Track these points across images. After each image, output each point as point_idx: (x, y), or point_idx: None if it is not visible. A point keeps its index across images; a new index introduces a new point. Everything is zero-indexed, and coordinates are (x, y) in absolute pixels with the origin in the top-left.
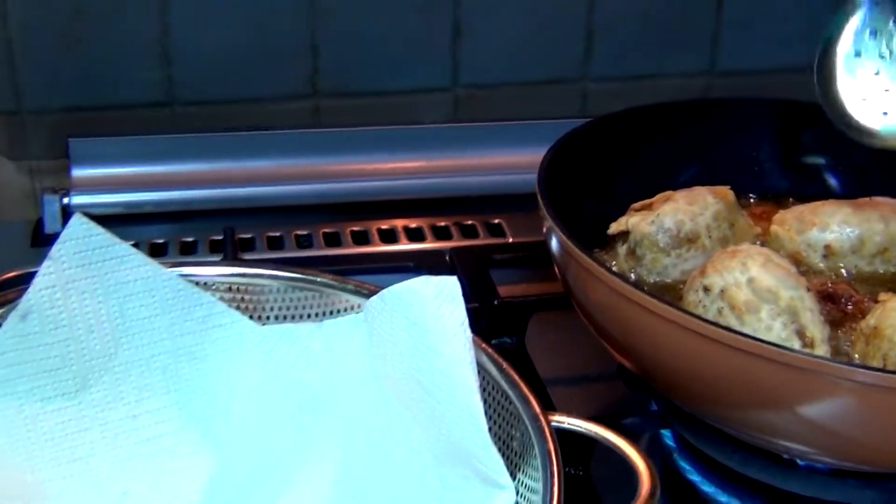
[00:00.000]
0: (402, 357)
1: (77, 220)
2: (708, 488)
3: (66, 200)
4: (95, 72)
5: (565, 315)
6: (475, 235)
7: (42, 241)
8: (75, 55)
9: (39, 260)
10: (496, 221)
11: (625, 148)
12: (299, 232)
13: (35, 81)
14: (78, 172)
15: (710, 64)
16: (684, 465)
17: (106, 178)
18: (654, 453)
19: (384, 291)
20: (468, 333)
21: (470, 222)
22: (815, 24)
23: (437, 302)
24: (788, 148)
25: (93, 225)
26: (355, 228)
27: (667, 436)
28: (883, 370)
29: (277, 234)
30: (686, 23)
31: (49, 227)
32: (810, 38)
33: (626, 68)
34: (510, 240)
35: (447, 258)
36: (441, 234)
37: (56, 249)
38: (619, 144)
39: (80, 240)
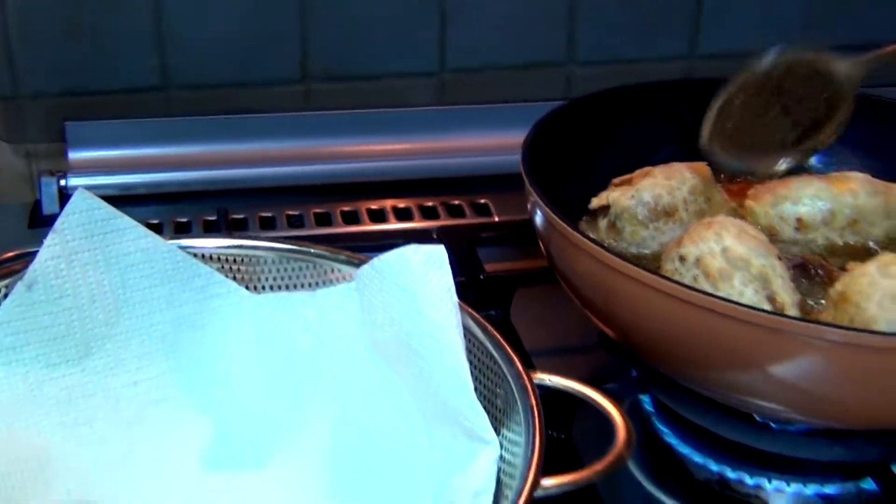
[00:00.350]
0: (392, 321)
1: (80, 195)
2: (684, 449)
3: (63, 182)
4: (91, 57)
5: (549, 289)
6: (462, 215)
7: (40, 222)
8: (72, 41)
9: (38, 241)
10: (482, 201)
11: (605, 127)
12: (291, 212)
13: (32, 66)
14: (75, 155)
15: (691, 48)
16: (662, 429)
17: (102, 160)
18: (633, 418)
19: (375, 260)
20: (454, 298)
21: (457, 202)
22: (792, 7)
23: (425, 269)
24: None
25: (95, 199)
26: (345, 208)
27: (645, 401)
28: (847, 327)
29: (269, 214)
30: (667, 7)
31: (47, 209)
32: (787, 21)
33: (608, 52)
34: (496, 219)
35: (434, 236)
36: (429, 213)
37: (60, 222)
38: (600, 123)
39: (82, 213)
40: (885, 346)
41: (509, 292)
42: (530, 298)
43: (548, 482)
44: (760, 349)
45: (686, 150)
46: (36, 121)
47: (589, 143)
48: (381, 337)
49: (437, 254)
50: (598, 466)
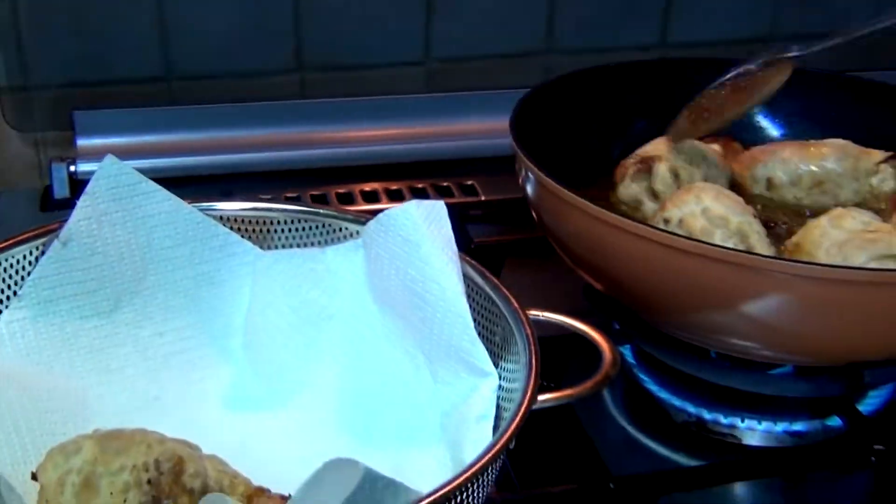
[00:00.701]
0: (398, 270)
1: (109, 161)
2: (664, 395)
3: (72, 168)
4: (98, 49)
5: (536, 260)
6: (451, 195)
7: (50, 206)
8: (79, 33)
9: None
10: (469, 182)
11: (586, 103)
12: (289, 194)
13: (41, 58)
14: (83, 142)
15: (662, 36)
16: (643, 377)
17: (108, 147)
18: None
19: (380, 215)
20: (454, 246)
21: (445, 184)
22: None
23: (427, 221)
24: None
25: (123, 164)
26: (340, 191)
27: (627, 353)
28: (813, 263)
29: (269, 196)
30: None
31: (58, 193)
32: (756, 11)
33: (585, 41)
34: (482, 198)
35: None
36: (419, 194)
37: (91, 186)
38: (581, 100)
39: (111, 178)
40: (833, 278)
41: (499, 262)
42: (519, 267)
43: (544, 397)
44: (737, 288)
45: (659, 124)
46: (44, 110)
47: (571, 117)
48: (387, 286)
49: (438, 208)
50: (589, 384)
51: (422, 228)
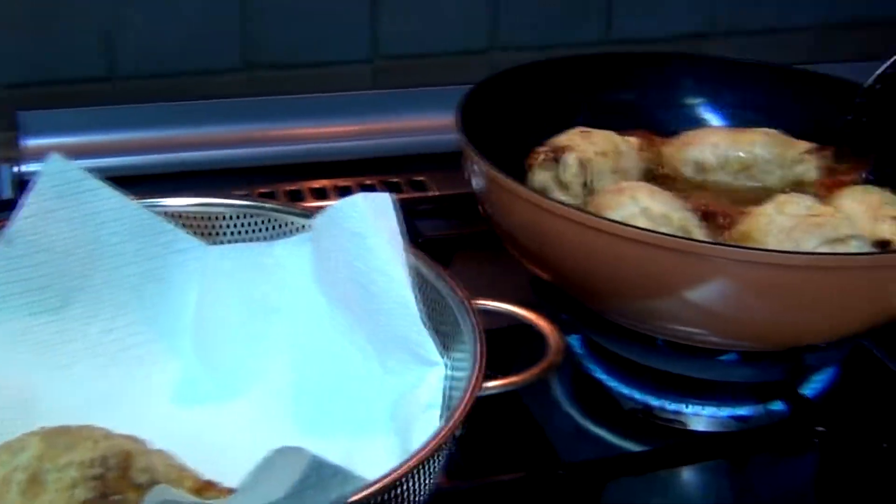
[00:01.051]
0: (345, 263)
1: (54, 158)
2: (612, 383)
3: (17, 169)
4: (41, 49)
5: (486, 254)
6: (400, 191)
7: None
8: (22, 33)
9: None
10: (420, 178)
11: (530, 96)
12: (238, 192)
13: None
14: (27, 143)
15: (606, 33)
16: (591, 367)
17: (54, 147)
18: (564, 359)
19: (328, 208)
20: (400, 239)
21: (395, 180)
22: None
23: (374, 213)
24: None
25: (67, 162)
26: (289, 188)
27: (575, 343)
28: (749, 247)
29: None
30: None
31: (3, 194)
32: (696, 6)
33: (528, 39)
34: (432, 193)
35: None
36: (368, 191)
37: (36, 184)
38: (526, 93)
39: (56, 175)
40: (778, 263)
41: (448, 256)
42: (468, 261)
43: (490, 384)
44: (678, 274)
45: (602, 117)
46: None
47: (516, 111)
48: (335, 279)
49: (383, 200)
50: (535, 370)
51: (368, 221)
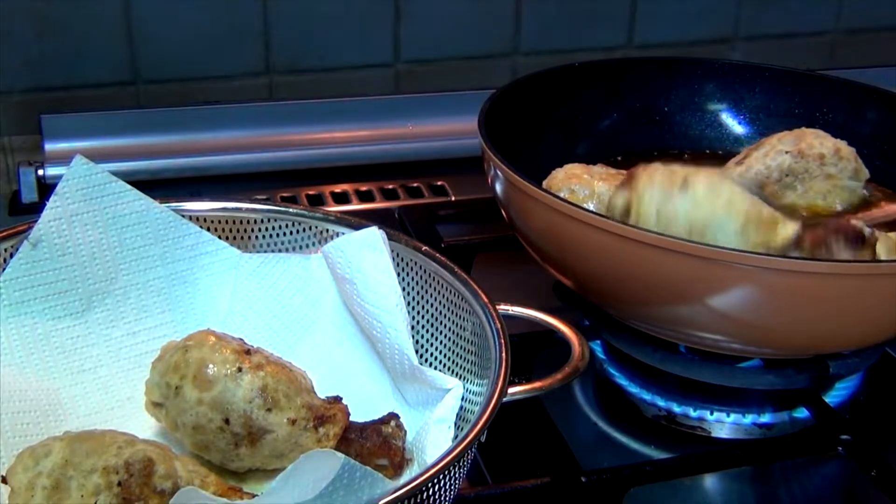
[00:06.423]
0: (350, 301)
1: (78, 161)
2: (634, 389)
3: (40, 172)
4: (64, 53)
5: (505, 256)
6: (420, 195)
7: (19, 210)
8: (45, 38)
9: None
10: (439, 183)
11: (552, 101)
12: (259, 196)
13: (6, 63)
14: (51, 146)
15: (628, 37)
16: (613, 372)
17: (76, 151)
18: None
19: (322, 250)
20: (392, 273)
21: (415, 184)
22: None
23: (361, 253)
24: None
25: (92, 165)
26: (310, 192)
27: (597, 349)
28: (774, 255)
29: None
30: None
31: (26, 198)
32: (719, 12)
33: (551, 43)
34: (452, 198)
35: (396, 216)
36: (389, 195)
37: (61, 186)
38: (548, 98)
39: (81, 178)
40: (803, 270)
41: (469, 260)
42: (489, 265)
43: (514, 390)
44: (701, 281)
45: (624, 122)
46: (11, 114)
47: (538, 116)
48: (349, 305)
49: (372, 235)
50: (558, 377)
51: (354, 265)
